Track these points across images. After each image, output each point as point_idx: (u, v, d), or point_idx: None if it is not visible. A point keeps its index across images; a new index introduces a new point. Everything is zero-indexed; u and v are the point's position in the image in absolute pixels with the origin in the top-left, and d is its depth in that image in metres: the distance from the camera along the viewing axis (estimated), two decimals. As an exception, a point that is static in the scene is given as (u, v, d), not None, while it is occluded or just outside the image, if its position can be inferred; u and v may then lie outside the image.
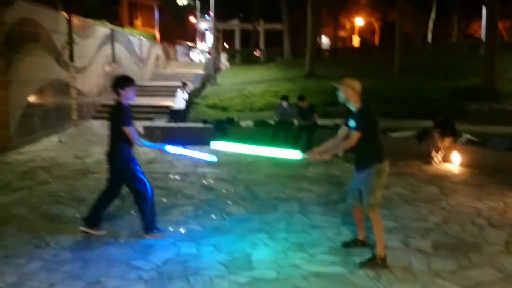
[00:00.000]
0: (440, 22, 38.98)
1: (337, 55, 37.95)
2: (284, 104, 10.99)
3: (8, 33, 9.95)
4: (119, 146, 4.77)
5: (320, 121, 11.06)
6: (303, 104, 10.75)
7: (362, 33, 48.62)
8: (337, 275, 4.21)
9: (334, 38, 46.06)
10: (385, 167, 4.33)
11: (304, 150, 10.79)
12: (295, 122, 10.94)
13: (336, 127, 10.55)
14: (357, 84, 4.37)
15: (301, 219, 5.77)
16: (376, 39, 46.71)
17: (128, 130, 4.68)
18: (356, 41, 47.18)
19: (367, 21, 45.38)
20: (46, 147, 10.75)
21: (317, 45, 32.34)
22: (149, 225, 5.00)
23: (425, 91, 17.28)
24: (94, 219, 5.07)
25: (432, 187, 7.37)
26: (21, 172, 8.16)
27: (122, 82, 4.78)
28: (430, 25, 38.08)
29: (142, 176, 4.91)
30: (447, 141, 9.05)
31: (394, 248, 4.84)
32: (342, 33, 50.37)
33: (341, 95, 4.38)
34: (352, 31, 48.89)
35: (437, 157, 9.09)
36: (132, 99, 4.80)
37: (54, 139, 11.76)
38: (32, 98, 11.18)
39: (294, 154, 4.37)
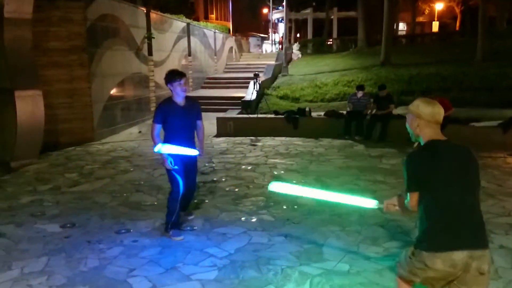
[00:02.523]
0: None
1: (415, 41, 36.38)
2: (359, 93, 10.74)
3: (90, 28, 10.49)
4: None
5: (395, 111, 10.71)
6: (382, 93, 10.46)
7: (442, 18, 46.22)
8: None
9: (412, 24, 44.22)
10: (429, 260, 2.55)
11: (378, 140, 10.56)
12: (369, 111, 10.66)
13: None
14: (428, 108, 2.69)
15: (374, 212, 5.62)
16: (457, 24, 44.24)
17: (152, 125, 4.78)
18: (435, 26, 44.96)
19: (447, 5, 43.06)
20: (127, 137, 11.31)
21: (393, 32, 31.24)
22: (168, 224, 4.93)
23: (511, 78, 16.15)
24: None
25: (518, 181, 6.91)
26: (104, 161, 8.65)
27: (168, 78, 4.74)
28: (518, 7, 35.37)
29: (176, 175, 4.78)
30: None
31: (475, 244, 4.59)
32: (420, 19, 48.21)
33: (407, 125, 2.83)
34: (431, 16, 46.64)
35: (525, 148, 8.46)
36: (180, 94, 4.71)
37: (134, 130, 12.34)
38: (113, 91, 11.77)
39: (368, 203, 3.28)
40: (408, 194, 2.69)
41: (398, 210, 2.99)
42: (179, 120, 4.74)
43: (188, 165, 4.92)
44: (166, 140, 4.77)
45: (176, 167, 4.73)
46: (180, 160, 4.75)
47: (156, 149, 4.69)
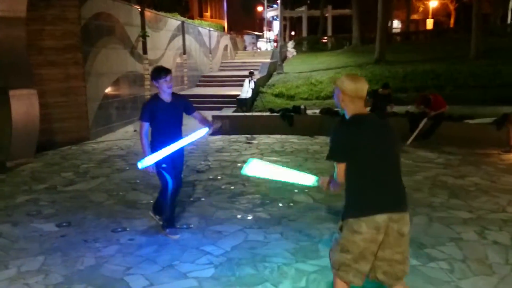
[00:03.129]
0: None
1: (409, 39, 36.50)
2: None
3: (84, 27, 10.45)
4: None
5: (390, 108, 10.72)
6: (383, 91, 10.27)
7: (436, 15, 46.37)
8: (412, 267, 4.09)
9: (406, 22, 44.34)
10: (356, 225, 2.77)
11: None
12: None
13: (407, 114, 10.32)
14: (351, 84, 2.86)
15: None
16: (451, 22, 44.40)
17: (140, 124, 4.76)
18: (430, 24, 45.09)
19: (442, 2, 43.20)
20: (122, 136, 11.30)
21: (388, 29, 31.31)
22: (165, 221, 4.94)
23: (504, 76, 16.25)
24: (156, 206, 5.22)
25: (511, 177, 6.95)
26: (99, 160, 8.64)
27: (153, 75, 4.69)
28: (511, 5, 35.54)
29: (163, 172, 4.74)
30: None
31: (470, 240, 4.64)
32: (414, 16, 48.34)
33: (335, 98, 3.02)
34: (425, 13, 46.78)
35: (518, 145, 8.53)
36: (166, 90, 4.66)
37: (129, 128, 12.34)
38: (108, 90, 11.76)
39: (308, 179, 3.34)
40: (335, 165, 2.88)
41: (329, 188, 3.15)
42: (166, 117, 4.69)
43: (176, 162, 4.85)
44: (154, 138, 4.77)
45: (164, 165, 4.69)
46: (169, 157, 4.67)
47: (141, 165, 4.62)
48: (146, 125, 4.71)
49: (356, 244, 2.80)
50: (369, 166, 2.78)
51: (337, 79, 2.98)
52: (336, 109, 11.87)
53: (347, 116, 2.91)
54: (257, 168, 3.41)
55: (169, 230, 4.88)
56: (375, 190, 2.78)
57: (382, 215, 2.75)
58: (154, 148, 4.68)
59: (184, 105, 4.90)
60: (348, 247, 2.83)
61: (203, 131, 4.73)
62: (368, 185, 2.79)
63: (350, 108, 2.89)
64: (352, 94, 2.85)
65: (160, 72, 4.65)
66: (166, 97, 4.73)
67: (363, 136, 2.79)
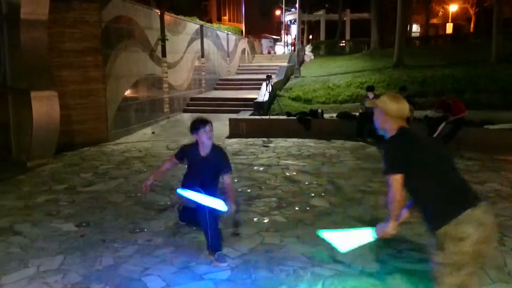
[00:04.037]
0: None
1: (429, 43, 36.16)
2: (370, 95, 10.70)
3: (104, 30, 10.60)
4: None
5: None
6: (402, 94, 10.33)
7: (456, 19, 45.84)
8: (425, 273, 4.04)
9: (425, 26, 43.94)
10: (458, 230, 2.52)
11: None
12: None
13: (425, 119, 10.22)
14: (394, 105, 2.79)
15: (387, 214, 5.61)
16: (472, 26, 43.87)
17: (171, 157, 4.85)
18: (449, 28, 44.61)
19: (462, 7, 42.70)
20: (141, 138, 11.40)
21: (407, 33, 31.06)
22: (209, 246, 4.41)
23: (526, 81, 15.98)
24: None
25: (533, 184, 6.84)
26: (118, 161, 8.74)
27: (192, 126, 4.57)
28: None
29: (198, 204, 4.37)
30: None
31: (489, 247, 4.56)
32: (434, 21, 47.88)
33: (375, 119, 2.93)
34: (445, 18, 46.29)
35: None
36: (205, 142, 4.53)
37: (147, 131, 12.44)
38: (127, 92, 11.88)
39: (366, 235, 3.06)
40: (389, 180, 2.68)
41: (387, 232, 2.84)
42: (198, 169, 4.63)
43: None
44: (186, 176, 4.85)
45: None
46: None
47: (180, 191, 4.49)
48: (173, 161, 4.85)
49: (466, 253, 2.50)
50: (440, 170, 2.66)
51: (378, 100, 2.90)
52: (353, 113, 11.84)
53: (391, 133, 2.82)
54: (331, 236, 3.33)
55: (218, 256, 4.30)
56: (454, 190, 2.62)
57: (476, 209, 2.54)
58: (184, 183, 4.74)
59: (220, 163, 4.64)
60: (459, 261, 2.51)
61: (221, 205, 4.20)
62: (446, 186, 2.62)
63: (393, 126, 2.81)
64: (395, 115, 2.79)
65: (199, 123, 4.52)
66: (204, 150, 4.59)
67: (423, 144, 2.77)
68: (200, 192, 4.29)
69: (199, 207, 4.32)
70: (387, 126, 2.82)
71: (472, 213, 2.52)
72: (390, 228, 2.82)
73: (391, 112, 2.78)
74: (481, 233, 2.50)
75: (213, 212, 4.29)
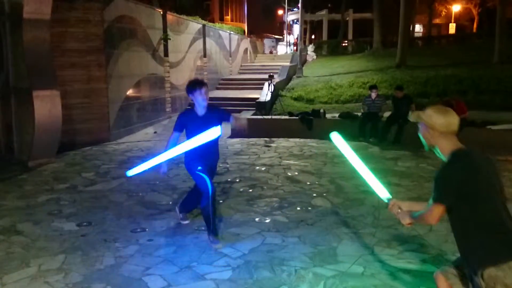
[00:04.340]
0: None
1: (431, 43, 36.08)
2: (373, 94, 10.67)
3: (107, 29, 10.60)
4: None
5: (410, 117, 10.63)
6: (398, 93, 10.42)
7: (459, 19, 45.79)
8: (428, 273, 4.03)
9: (428, 26, 43.87)
10: (504, 278, 2.29)
11: (393, 143, 10.50)
12: (384, 114, 10.61)
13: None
14: (441, 118, 2.53)
15: (389, 214, 5.58)
16: (475, 26, 43.78)
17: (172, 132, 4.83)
18: (452, 28, 44.52)
19: (465, 7, 42.63)
20: (143, 138, 11.41)
21: (409, 33, 31.00)
22: (212, 230, 4.75)
23: (529, 81, 15.93)
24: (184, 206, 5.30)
25: (536, 185, 6.81)
26: (120, 161, 8.74)
27: (188, 87, 4.72)
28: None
29: (201, 174, 4.67)
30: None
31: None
32: (437, 21, 47.82)
33: (420, 135, 2.68)
34: (448, 18, 46.22)
35: (543, 152, 8.32)
36: (201, 103, 4.67)
37: (150, 130, 12.45)
38: (129, 92, 11.88)
39: (383, 193, 3.02)
40: (433, 205, 2.46)
41: (398, 214, 2.79)
42: (197, 129, 4.60)
43: (212, 165, 4.91)
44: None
45: (199, 167, 4.67)
46: (203, 162, 4.69)
47: (130, 172, 4.50)
48: (174, 134, 4.82)
49: None
50: (492, 207, 2.41)
51: (421, 113, 2.61)
52: (355, 113, 11.82)
53: (444, 154, 2.54)
54: (342, 143, 3.27)
55: (212, 239, 4.71)
56: (508, 233, 2.36)
57: None
58: (187, 153, 4.73)
59: (219, 116, 4.83)
60: None
61: (215, 132, 4.27)
62: (498, 227, 2.37)
63: (444, 145, 2.52)
64: (443, 130, 2.49)
65: (195, 85, 4.68)
66: (201, 110, 4.74)
67: (478, 175, 2.43)
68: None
69: (202, 189, 4.64)
70: (438, 144, 2.54)
71: None
72: (406, 221, 2.72)
73: (439, 127, 2.50)
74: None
75: (215, 198, 4.72)
